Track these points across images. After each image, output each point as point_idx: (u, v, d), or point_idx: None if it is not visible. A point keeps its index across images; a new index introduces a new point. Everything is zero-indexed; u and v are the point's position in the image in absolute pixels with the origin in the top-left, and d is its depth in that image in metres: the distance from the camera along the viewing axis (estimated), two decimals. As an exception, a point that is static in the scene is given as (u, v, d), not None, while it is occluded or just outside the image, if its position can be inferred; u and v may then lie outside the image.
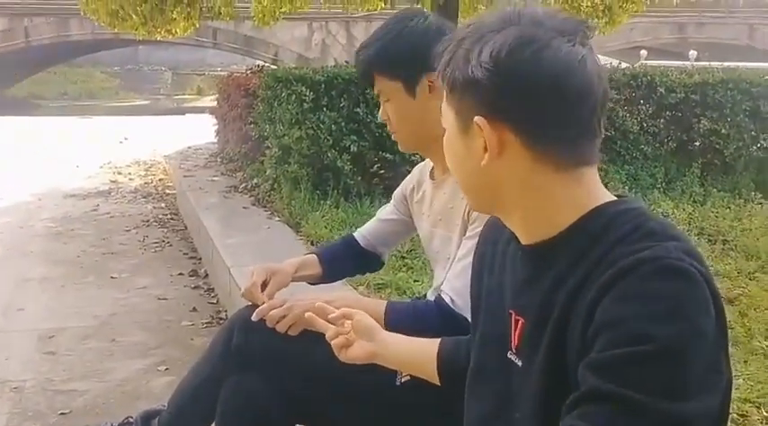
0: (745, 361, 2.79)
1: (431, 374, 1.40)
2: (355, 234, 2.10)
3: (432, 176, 1.86)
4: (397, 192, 2.03)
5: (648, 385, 0.89)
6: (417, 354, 1.42)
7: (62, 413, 2.89)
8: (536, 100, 1.03)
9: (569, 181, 1.05)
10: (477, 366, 1.21)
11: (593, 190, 1.07)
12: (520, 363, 1.10)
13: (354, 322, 1.41)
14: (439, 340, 1.42)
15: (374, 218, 2.11)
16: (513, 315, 1.12)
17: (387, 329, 1.72)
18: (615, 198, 1.08)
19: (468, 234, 1.65)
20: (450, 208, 1.74)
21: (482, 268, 1.25)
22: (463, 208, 1.66)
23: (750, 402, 2.48)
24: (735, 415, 2.38)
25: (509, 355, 1.12)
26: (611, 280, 0.95)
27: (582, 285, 0.99)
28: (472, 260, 1.30)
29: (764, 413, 2.42)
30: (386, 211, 2.07)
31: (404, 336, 1.44)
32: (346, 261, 2.08)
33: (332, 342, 1.40)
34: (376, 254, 2.08)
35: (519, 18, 1.05)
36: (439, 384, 1.40)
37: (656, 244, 0.96)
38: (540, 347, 1.04)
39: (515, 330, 1.11)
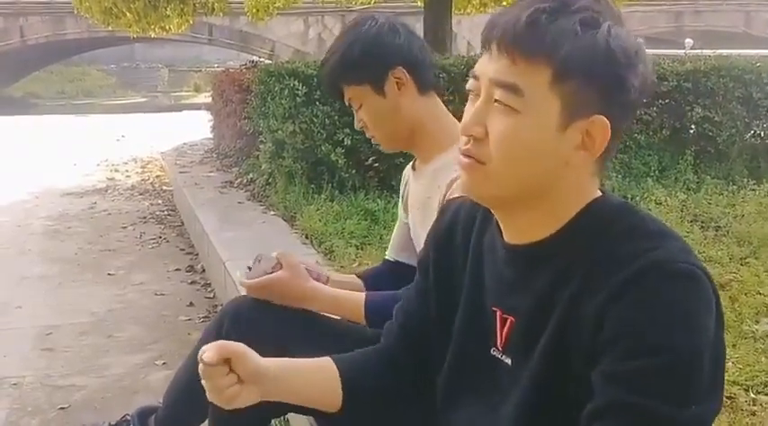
0: (734, 345, 2.82)
1: (329, 394, 1.25)
2: (386, 255, 2.10)
3: (413, 167, 1.89)
4: (400, 198, 2.05)
5: (670, 394, 0.90)
6: (312, 377, 1.25)
7: (61, 408, 2.92)
8: (638, 106, 1.03)
9: (598, 183, 1.07)
10: (456, 361, 1.18)
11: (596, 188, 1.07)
12: (509, 361, 1.09)
13: (241, 367, 1.12)
14: (329, 357, 1.28)
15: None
16: (500, 313, 1.09)
17: (366, 322, 1.75)
18: (599, 193, 1.07)
19: None
20: (428, 198, 1.76)
21: (454, 258, 1.20)
22: (439, 198, 1.69)
23: (738, 384, 2.50)
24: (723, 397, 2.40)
25: (493, 352, 1.11)
26: (621, 285, 0.94)
27: (584, 285, 0.98)
28: (431, 247, 1.27)
29: (752, 395, 2.45)
30: (398, 222, 2.08)
31: (292, 363, 1.24)
32: (382, 276, 2.02)
33: (216, 399, 1.13)
34: (406, 264, 2.02)
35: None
36: (338, 407, 1.25)
37: (657, 246, 0.97)
38: (537, 347, 1.03)
39: (502, 328, 1.09)
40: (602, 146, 0.99)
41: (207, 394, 1.13)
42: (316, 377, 1.26)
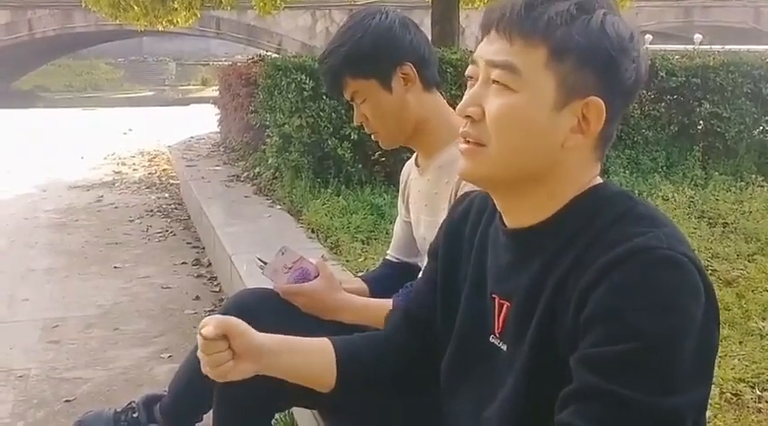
0: (741, 342, 2.81)
1: (323, 373, 1.27)
2: (387, 254, 2.11)
3: (416, 163, 1.88)
4: (399, 196, 2.04)
5: (644, 381, 0.89)
6: (307, 355, 1.28)
7: (67, 401, 2.93)
8: (634, 93, 1.04)
9: (597, 170, 1.07)
10: (458, 349, 1.19)
11: (596, 175, 1.08)
12: (504, 347, 1.09)
13: (238, 343, 1.16)
14: (327, 338, 1.30)
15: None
16: (497, 299, 1.10)
17: None
18: (600, 180, 1.07)
19: None
20: (435, 193, 1.76)
21: (461, 248, 1.22)
22: (449, 193, 1.68)
23: (744, 381, 2.49)
24: (728, 394, 2.40)
25: (491, 339, 1.12)
26: (605, 268, 0.94)
27: (572, 269, 0.99)
28: (442, 236, 1.28)
29: (758, 393, 2.44)
30: (397, 220, 2.07)
31: (289, 340, 1.26)
32: (386, 279, 2.02)
33: (210, 373, 1.17)
34: (410, 264, 2.03)
35: None
36: (332, 386, 1.27)
37: (647, 231, 0.96)
38: (528, 331, 1.03)
39: (499, 314, 1.10)
40: (596, 128, 1.01)
41: (201, 366, 1.17)
42: (311, 355, 1.28)
